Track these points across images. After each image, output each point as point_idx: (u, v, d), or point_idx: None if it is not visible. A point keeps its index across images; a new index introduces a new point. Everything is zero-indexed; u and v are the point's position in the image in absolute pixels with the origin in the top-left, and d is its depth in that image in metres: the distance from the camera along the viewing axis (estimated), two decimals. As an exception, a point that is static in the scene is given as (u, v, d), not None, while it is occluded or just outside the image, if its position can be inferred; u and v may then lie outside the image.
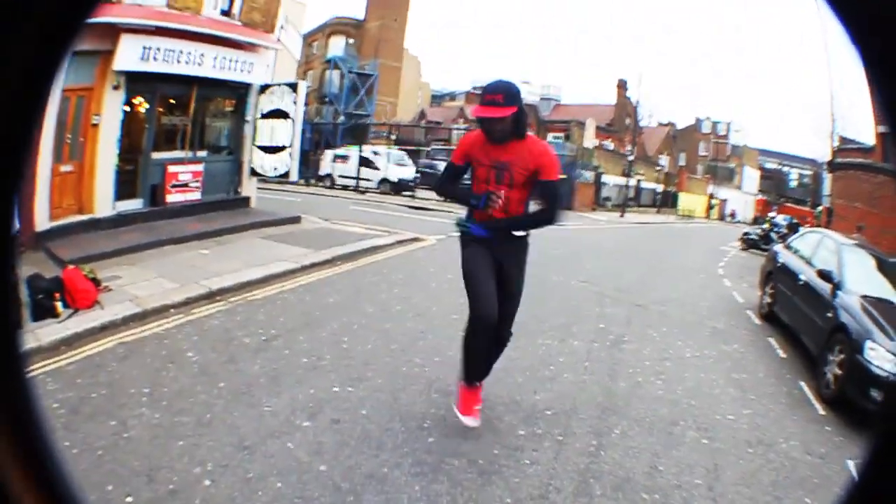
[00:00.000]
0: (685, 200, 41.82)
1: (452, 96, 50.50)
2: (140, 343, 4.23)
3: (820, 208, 26.38)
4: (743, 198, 48.31)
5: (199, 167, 8.60)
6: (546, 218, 3.20)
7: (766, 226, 20.65)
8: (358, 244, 8.22)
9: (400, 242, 9.07)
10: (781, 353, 6.23)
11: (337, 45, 34.25)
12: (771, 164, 52.89)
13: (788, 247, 7.82)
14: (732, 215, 44.39)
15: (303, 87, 9.72)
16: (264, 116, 9.40)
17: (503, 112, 2.90)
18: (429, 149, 24.65)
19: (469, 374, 3.23)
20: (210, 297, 5.15)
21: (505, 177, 3.11)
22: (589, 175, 28.40)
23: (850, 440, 4.30)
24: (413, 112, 42.96)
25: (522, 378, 4.34)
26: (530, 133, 3.22)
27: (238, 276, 5.71)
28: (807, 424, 4.47)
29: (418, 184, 19.85)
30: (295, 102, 9.24)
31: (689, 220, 36.49)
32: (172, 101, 8.85)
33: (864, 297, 5.39)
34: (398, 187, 19.96)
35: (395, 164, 20.52)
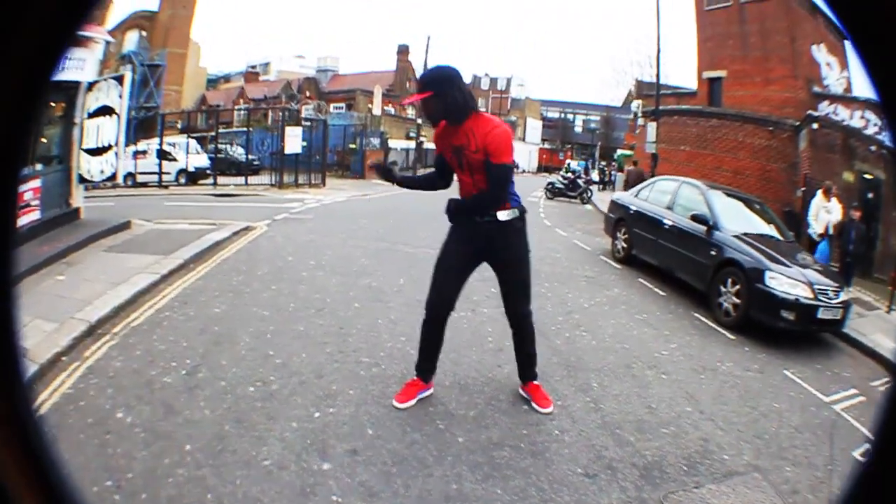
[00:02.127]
0: (469, 156, 45.52)
1: (227, 78, 52.12)
2: (58, 415, 3.33)
3: (619, 152, 31.18)
4: (527, 149, 54.36)
5: (38, 182, 7.85)
6: (488, 200, 3.42)
7: (568, 174, 23.79)
8: (200, 242, 7.91)
9: (235, 234, 8.96)
10: (660, 291, 7.59)
11: (131, 40, 35.54)
12: (553, 114, 60.28)
13: (637, 195, 9.29)
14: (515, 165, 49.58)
15: (128, 77, 9.42)
16: (91, 116, 8.94)
17: (416, 98, 3.33)
18: (213, 133, 24.75)
19: (419, 361, 3.73)
20: (92, 332, 4.62)
21: (463, 161, 3.40)
22: (376, 142, 29.79)
23: (771, 356, 5.70)
24: (194, 99, 42.32)
25: (475, 354, 4.66)
26: (486, 113, 3.54)
27: (109, 301, 5.26)
28: (727, 348, 5.74)
29: (214, 171, 20.66)
30: (120, 96, 8.96)
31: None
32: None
33: (746, 234, 6.89)
34: (195, 176, 20.83)
35: (191, 154, 21.43)
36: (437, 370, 3.95)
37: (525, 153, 54.41)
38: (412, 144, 33.75)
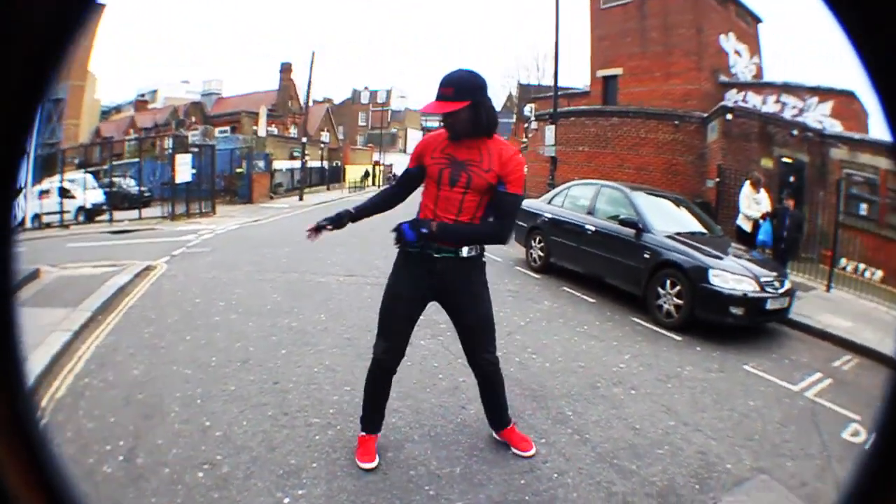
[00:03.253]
0: (352, 172, 45.75)
1: (119, 108, 51.01)
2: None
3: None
4: (407, 160, 54.37)
5: None
6: (496, 233, 2.98)
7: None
8: (104, 289, 7.17)
9: (138, 275, 8.16)
10: (589, 299, 7.50)
11: None
12: (432, 123, 60.72)
13: (550, 202, 9.19)
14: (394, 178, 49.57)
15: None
16: None
17: (452, 107, 2.75)
18: (106, 167, 23.94)
19: (364, 418, 3.30)
20: None
21: (461, 177, 2.91)
22: (262, 164, 28.99)
23: (724, 352, 5.74)
24: (90, 132, 39.48)
25: (433, 397, 4.21)
26: (498, 136, 3.07)
27: (30, 369, 4.43)
28: (680, 351, 5.74)
29: (108, 206, 20.20)
30: None
31: (362, 190, 40.36)
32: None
33: (677, 234, 6.90)
34: (91, 213, 20.30)
35: (89, 189, 20.95)
36: (402, 424, 3.63)
37: (405, 165, 54.46)
38: (297, 164, 32.82)
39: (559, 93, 15.77)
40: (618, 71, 19.53)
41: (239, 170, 26.22)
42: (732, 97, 15.70)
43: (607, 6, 19.81)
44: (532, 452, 3.37)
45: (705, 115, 15.17)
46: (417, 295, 3.04)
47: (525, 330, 6.03)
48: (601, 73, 20.29)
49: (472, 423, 3.76)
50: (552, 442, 3.53)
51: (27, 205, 7.72)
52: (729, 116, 14.05)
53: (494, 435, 3.51)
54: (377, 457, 3.21)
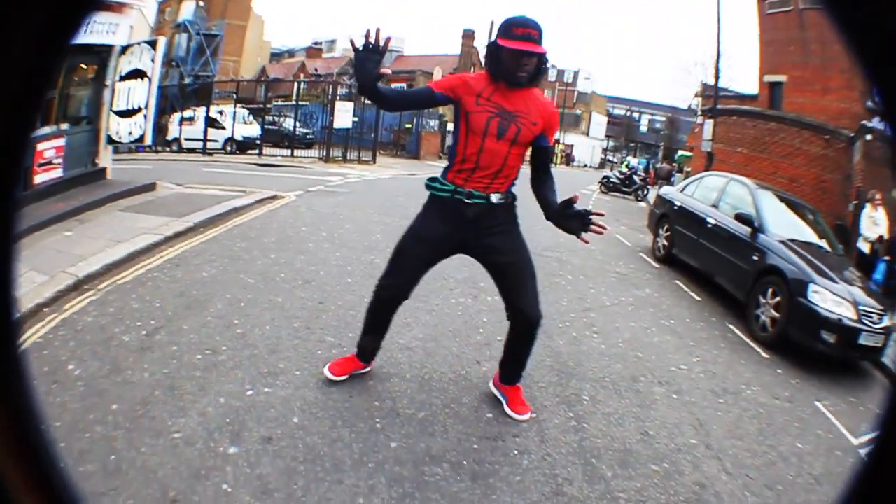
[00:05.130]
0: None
1: (291, 53, 52.17)
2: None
3: (680, 153, 29.68)
4: (590, 143, 52.61)
5: (62, 141, 7.96)
6: (553, 188, 2.84)
7: (624, 169, 22.56)
8: (217, 207, 7.72)
9: (260, 202, 8.66)
10: (695, 296, 6.70)
11: (188, 9, 34.87)
12: (620, 111, 58.11)
13: (683, 190, 8.33)
14: (570, 157, 47.92)
15: (162, 42, 9.41)
16: (123, 79, 8.96)
17: (539, 48, 2.58)
18: (270, 105, 25.14)
19: (358, 343, 3.23)
20: (78, 286, 4.59)
21: (510, 129, 2.69)
22: (434, 124, 29.08)
23: (805, 382, 4.79)
24: (255, 70, 42.64)
25: (456, 346, 4.02)
26: None
27: (103, 258, 5.22)
28: (758, 368, 4.85)
29: (264, 141, 20.26)
30: (153, 60, 8.91)
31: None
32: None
33: (792, 240, 5.90)
34: (243, 146, 20.36)
35: (240, 123, 20.91)
36: (404, 361, 3.51)
37: (588, 148, 52.69)
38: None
39: (731, 94, 14.25)
40: (782, 78, 17.85)
41: (408, 125, 26.64)
42: (877, 123, 13.24)
43: (772, 11, 18.17)
44: (524, 418, 3.09)
45: (852, 134, 13.48)
46: (443, 242, 2.88)
47: (605, 311, 5.51)
48: (768, 78, 18.67)
49: (474, 378, 3.52)
50: (541, 419, 3.14)
51: (147, 125, 8.62)
52: (868, 137, 12.19)
53: (492, 387, 3.28)
54: (344, 377, 3.18)
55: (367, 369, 3.31)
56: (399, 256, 2.95)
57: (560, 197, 2.68)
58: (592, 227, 2.57)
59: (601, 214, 2.58)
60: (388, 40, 2.46)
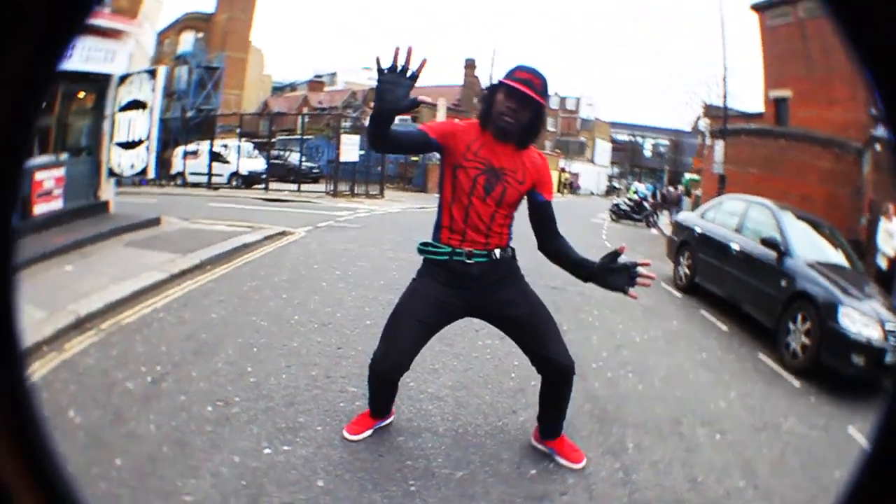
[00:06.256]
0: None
1: (293, 86, 52.66)
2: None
3: (687, 176, 29.59)
4: (595, 170, 52.71)
5: (62, 171, 7.94)
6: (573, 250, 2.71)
7: (633, 195, 22.49)
8: (226, 244, 7.61)
9: (269, 238, 8.57)
10: (723, 326, 6.50)
11: (187, 41, 35.73)
12: (623, 136, 58.41)
13: (703, 216, 8.18)
14: (574, 186, 47.74)
15: (162, 72, 9.40)
16: (122, 109, 8.98)
17: (537, 97, 2.39)
18: (275, 139, 25.21)
19: (371, 404, 3.00)
20: (80, 325, 4.47)
21: (496, 188, 2.51)
22: (438, 156, 29.00)
23: (837, 408, 4.67)
24: (257, 104, 43.45)
25: (489, 395, 3.81)
26: None
27: (106, 296, 5.07)
28: (792, 398, 4.72)
29: (269, 176, 20.32)
30: (153, 90, 8.92)
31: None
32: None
33: (818, 262, 5.74)
34: (249, 180, 20.47)
35: (244, 157, 21.09)
36: (435, 413, 3.34)
37: (594, 175, 52.76)
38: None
39: (736, 113, 14.23)
40: (787, 93, 17.89)
41: (414, 158, 26.75)
42: (882, 132, 13.10)
43: (773, 24, 18.34)
44: (583, 465, 2.90)
45: (861, 145, 13.46)
46: (447, 303, 2.63)
47: (637, 347, 5.32)
48: (773, 93, 18.72)
49: (511, 430, 3.31)
50: (588, 473, 2.92)
51: (149, 157, 8.62)
52: (878, 147, 12.08)
53: (535, 444, 3.07)
54: (367, 433, 2.98)
55: (390, 420, 3.12)
56: (397, 323, 2.68)
57: (575, 238, 2.54)
58: (639, 279, 2.39)
59: (647, 264, 2.40)
60: (423, 62, 2.17)
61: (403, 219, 13.84)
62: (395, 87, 2.16)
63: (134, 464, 2.57)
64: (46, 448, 0.66)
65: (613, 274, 2.45)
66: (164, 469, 2.56)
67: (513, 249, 2.69)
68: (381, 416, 3.04)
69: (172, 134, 25.99)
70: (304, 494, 2.47)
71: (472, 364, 4.26)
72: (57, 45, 0.62)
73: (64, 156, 8.37)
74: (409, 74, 2.16)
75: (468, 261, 2.55)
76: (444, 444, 3.04)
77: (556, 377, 2.73)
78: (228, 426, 2.99)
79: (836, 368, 5.06)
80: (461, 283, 2.59)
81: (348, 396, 3.48)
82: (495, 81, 2.51)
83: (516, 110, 2.40)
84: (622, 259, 2.43)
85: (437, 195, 2.74)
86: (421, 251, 2.68)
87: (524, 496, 2.65)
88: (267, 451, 2.80)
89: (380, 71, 2.16)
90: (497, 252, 2.58)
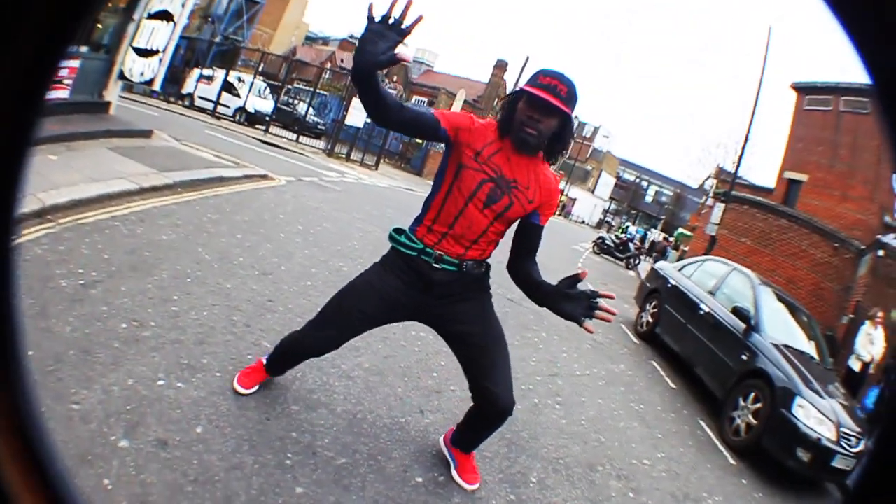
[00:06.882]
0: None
1: (326, 41, 52.34)
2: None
3: (680, 230, 29.70)
4: (593, 201, 52.80)
5: (76, 63, 7.81)
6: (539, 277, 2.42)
7: (620, 234, 22.44)
8: (204, 171, 7.57)
9: (248, 177, 8.44)
10: (671, 383, 6.37)
11: None
12: (629, 176, 58.59)
13: (681, 270, 8.07)
14: (567, 210, 47.86)
15: None
16: (150, 17, 8.79)
17: (562, 106, 2.09)
18: (290, 86, 25.11)
19: (270, 363, 2.82)
20: (41, 214, 4.46)
21: (502, 200, 2.24)
22: (442, 146, 28.90)
23: (767, 495, 4.49)
24: (286, 48, 42.84)
25: (402, 388, 3.59)
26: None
27: (74, 192, 5.07)
28: (723, 475, 4.58)
29: (273, 119, 20.07)
30: (183, 5, 8.74)
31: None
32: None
33: (785, 346, 5.62)
34: (253, 118, 20.32)
35: (255, 95, 20.86)
36: (340, 391, 3.16)
37: (590, 204, 52.86)
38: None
39: (744, 183, 14.29)
40: (803, 177, 18.13)
41: (418, 141, 26.55)
42: (891, 241, 13.29)
43: (810, 108, 18.46)
44: (475, 487, 2.74)
45: (863, 246, 13.57)
46: (397, 301, 2.39)
47: (574, 380, 5.13)
48: (788, 174, 18.99)
49: (413, 430, 3.10)
50: (477, 497, 2.72)
51: (160, 69, 8.41)
52: (881, 253, 12.15)
53: (443, 445, 2.89)
54: (255, 388, 2.81)
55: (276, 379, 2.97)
56: (338, 305, 2.48)
57: (552, 261, 2.29)
58: (598, 312, 2.16)
59: (611, 297, 2.17)
60: (418, 18, 1.90)
61: (387, 194, 13.61)
62: (379, 38, 1.89)
63: (40, 359, 2.48)
64: (47, 448, 0.65)
65: (570, 301, 2.20)
66: (64, 371, 2.47)
67: (488, 265, 2.45)
68: (275, 375, 2.89)
69: (196, 55, 25.76)
70: (180, 436, 2.31)
71: (396, 352, 4.04)
72: (57, 44, 0.63)
73: (84, 49, 8.25)
74: (398, 29, 1.89)
75: (435, 265, 2.31)
76: (336, 425, 2.82)
77: (489, 411, 2.49)
78: (135, 347, 2.85)
79: (777, 457, 4.91)
80: (418, 284, 2.35)
81: (260, 350, 3.26)
82: (518, 88, 2.24)
83: (539, 120, 2.13)
84: (581, 286, 2.20)
85: (430, 183, 2.47)
86: (392, 238, 2.42)
87: (397, 498, 2.44)
88: (161, 382, 2.63)
89: (370, 19, 1.90)
90: (469, 264, 2.34)
